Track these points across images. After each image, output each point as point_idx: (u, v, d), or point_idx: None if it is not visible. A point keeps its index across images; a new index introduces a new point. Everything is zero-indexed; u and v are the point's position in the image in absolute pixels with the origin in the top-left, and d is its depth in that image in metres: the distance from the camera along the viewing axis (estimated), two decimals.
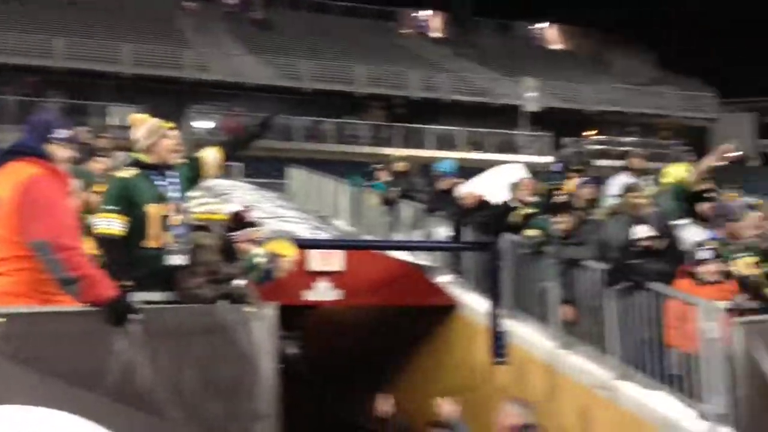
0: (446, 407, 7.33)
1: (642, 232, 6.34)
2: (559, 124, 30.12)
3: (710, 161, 7.21)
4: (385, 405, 8.32)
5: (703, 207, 6.96)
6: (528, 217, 8.01)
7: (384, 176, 11.71)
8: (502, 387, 7.99)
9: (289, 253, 4.69)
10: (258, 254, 4.60)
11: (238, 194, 14.42)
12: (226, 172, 17.57)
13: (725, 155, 7.07)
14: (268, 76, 29.00)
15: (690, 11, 41.13)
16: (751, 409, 4.71)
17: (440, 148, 27.82)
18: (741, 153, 7.43)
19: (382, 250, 9.42)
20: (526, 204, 8.31)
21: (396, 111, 29.77)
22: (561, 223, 7.23)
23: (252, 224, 5.23)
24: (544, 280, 7.43)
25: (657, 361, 5.98)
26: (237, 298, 3.74)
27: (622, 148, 26.20)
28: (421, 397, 9.37)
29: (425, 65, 32.46)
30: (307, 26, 33.82)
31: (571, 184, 8.48)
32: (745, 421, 4.74)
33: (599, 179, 8.64)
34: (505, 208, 8.39)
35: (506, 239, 8.03)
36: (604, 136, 31.05)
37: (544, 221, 7.60)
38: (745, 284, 5.72)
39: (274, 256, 4.61)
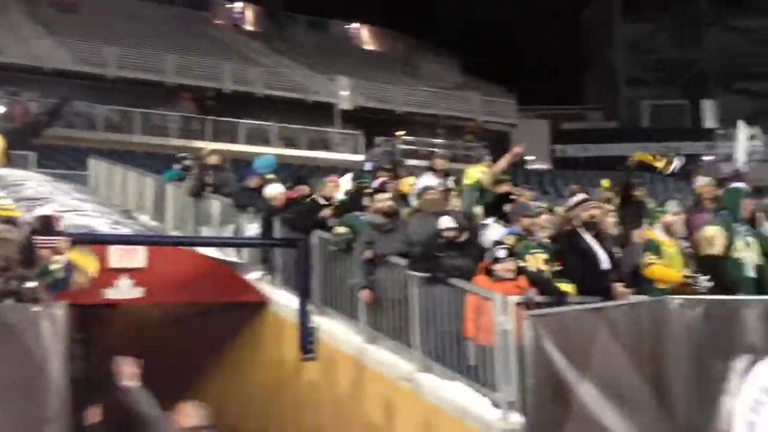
0: (191, 412, 6.09)
1: (445, 223, 6.65)
2: (371, 123, 30.76)
3: (503, 163, 7.64)
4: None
5: (506, 207, 7.38)
6: (338, 214, 8.12)
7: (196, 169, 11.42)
8: (311, 382, 8.05)
9: (89, 266, 4.53)
10: (56, 262, 4.40)
11: (31, 185, 13.50)
12: (17, 162, 16.41)
13: (516, 156, 7.51)
14: (68, 60, 27.33)
15: (494, 22, 43.52)
16: (538, 396, 5.03)
17: (252, 143, 27.54)
18: (519, 150, 7.95)
19: (189, 246, 9.18)
20: (332, 201, 8.43)
21: (207, 103, 29.08)
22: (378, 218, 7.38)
23: (60, 233, 4.98)
24: (353, 276, 7.55)
25: (456, 353, 6.26)
26: (25, 298, 3.51)
27: (430, 149, 27.17)
28: (231, 395, 9.24)
29: (238, 58, 31.95)
30: (113, 10, 32.17)
31: (405, 183, 8.70)
32: (532, 406, 5.06)
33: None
34: (313, 205, 8.45)
35: (316, 236, 8.09)
36: (413, 137, 32.04)
37: (353, 218, 7.74)
38: (535, 279, 6.14)
39: (72, 267, 4.42)
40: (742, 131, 38.30)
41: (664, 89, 45.75)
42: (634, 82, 47.06)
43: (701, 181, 8.01)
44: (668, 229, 6.69)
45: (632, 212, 7.51)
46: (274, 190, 9.06)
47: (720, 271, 6.39)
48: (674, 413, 4.52)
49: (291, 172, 22.39)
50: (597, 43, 49.34)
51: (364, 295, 7.19)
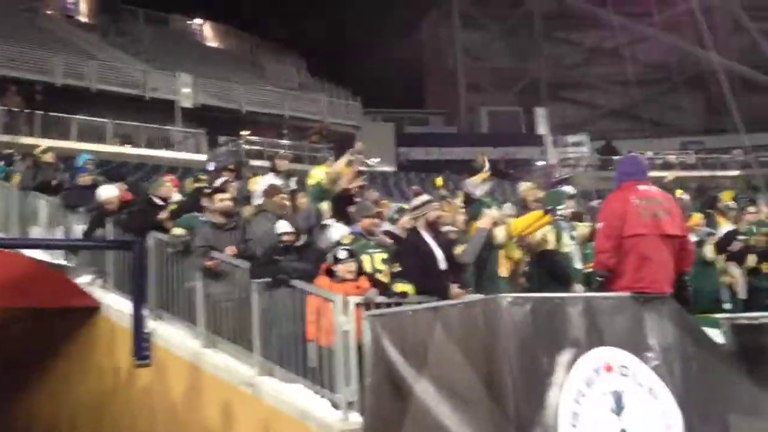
0: None
1: (282, 227, 6.61)
2: (214, 122, 30.11)
3: (342, 163, 7.71)
4: None
5: (350, 208, 7.43)
6: (175, 215, 7.88)
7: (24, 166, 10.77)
8: (145, 389, 7.78)
9: None
10: None
11: None
12: None
13: (357, 156, 7.59)
14: None
15: (339, 25, 43.83)
16: (376, 395, 5.10)
17: (86, 139, 26.22)
18: (360, 146, 8.06)
19: (13, 248, 8.61)
20: (169, 202, 8.18)
21: (36, 97, 27.37)
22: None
23: None
24: (191, 279, 7.36)
25: (298, 355, 6.23)
26: None
27: (275, 149, 26.98)
28: (63, 403, 8.77)
29: (71, 51, 30.30)
30: None
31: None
32: (371, 406, 5.12)
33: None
34: (148, 206, 8.16)
35: (151, 238, 7.81)
36: (258, 137, 31.67)
37: (191, 219, 7.54)
38: (375, 279, 6.22)
39: None
40: (568, 139, 40.72)
41: (500, 96, 47.74)
42: (473, 89, 48.83)
43: (524, 185, 8.47)
44: (498, 223, 7.07)
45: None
46: (109, 193, 8.67)
47: (553, 264, 6.88)
48: (505, 407, 4.68)
49: (128, 171, 21.57)
50: (438, 50, 50.81)
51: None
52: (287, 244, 6.62)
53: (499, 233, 6.93)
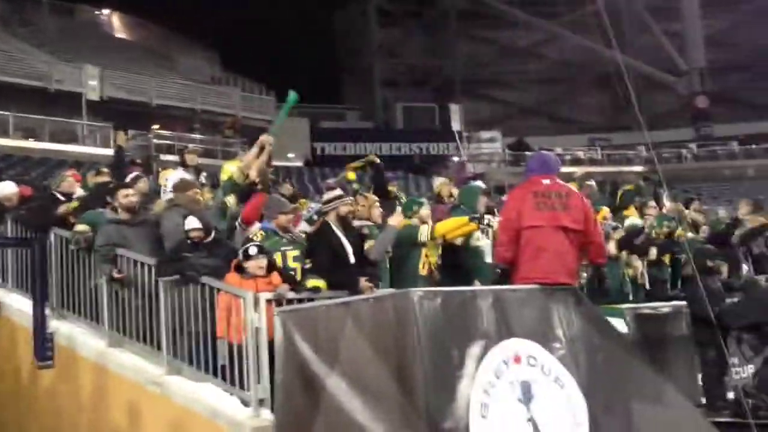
0: None
1: (191, 224, 6.48)
2: (123, 115, 29.30)
3: (251, 154, 7.61)
4: None
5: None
6: (79, 210, 7.62)
7: None
8: (49, 391, 7.51)
9: None
10: None
11: None
12: None
13: (265, 147, 7.50)
14: None
15: (253, 18, 43.28)
16: (287, 392, 5.06)
17: None
18: (265, 139, 7.92)
19: None
20: (71, 197, 7.90)
21: None
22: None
23: None
24: (95, 277, 7.13)
25: (207, 353, 6.12)
26: None
27: (186, 144, 26.46)
28: None
29: None
30: None
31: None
32: (282, 403, 5.07)
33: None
34: (49, 201, 7.86)
35: (53, 234, 7.53)
36: (169, 131, 31.01)
37: (95, 215, 7.30)
38: (287, 275, 6.16)
39: None
40: (481, 135, 41.45)
41: (415, 92, 48.13)
42: (389, 85, 49.07)
43: (438, 180, 8.57)
44: (422, 221, 7.15)
45: (389, 207, 7.82)
46: (7, 189, 8.31)
47: (459, 257, 7.00)
48: (416, 401, 4.70)
49: (31, 165, 20.80)
50: (354, 45, 50.84)
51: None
52: (196, 241, 6.48)
53: (423, 231, 6.97)
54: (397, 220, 6.82)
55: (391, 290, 5.56)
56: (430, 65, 50.50)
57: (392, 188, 9.30)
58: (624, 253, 8.57)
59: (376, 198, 7.83)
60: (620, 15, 47.02)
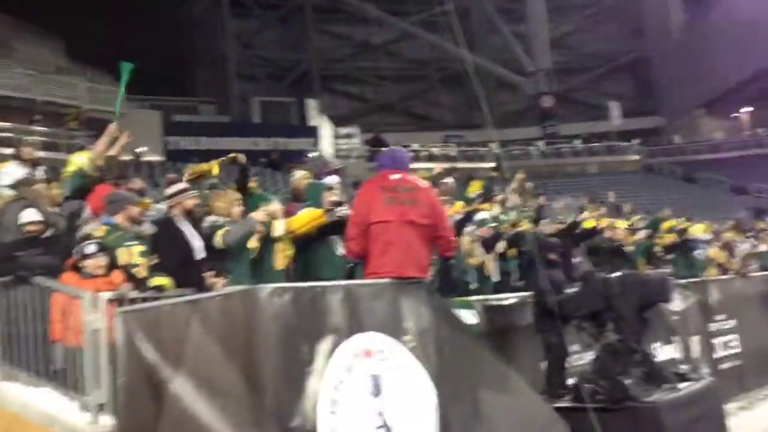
0: None
1: (28, 216, 6.11)
2: None
3: (101, 145, 7.26)
4: None
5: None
6: None
7: None
8: None
9: None
10: None
11: None
12: None
13: (113, 136, 7.18)
14: None
15: (101, 8, 41.43)
16: (129, 395, 4.82)
17: None
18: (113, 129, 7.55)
19: None
20: None
21: None
22: None
23: None
24: None
25: (42, 357, 5.77)
26: None
27: (26, 136, 24.96)
28: None
29: None
30: None
31: None
32: (123, 407, 4.84)
33: None
34: None
35: None
36: (9, 123, 29.15)
37: None
38: (131, 273, 5.91)
39: None
40: (329, 130, 41.58)
41: (272, 86, 47.69)
42: (245, 78, 48.32)
43: (297, 174, 8.48)
44: (272, 217, 7.02)
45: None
46: None
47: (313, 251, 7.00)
48: (264, 399, 4.63)
49: None
50: (208, 37, 49.67)
51: None
52: (33, 235, 6.09)
53: (279, 226, 6.87)
54: (259, 215, 6.71)
55: (240, 287, 5.42)
56: (287, 59, 50.15)
57: (252, 185, 9.12)
58: (465, 243, 8.79)
59: (238, 195, 7.62)
60: (470, 15, 48.61)
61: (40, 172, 7.80)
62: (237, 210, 7.17)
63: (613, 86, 51.51)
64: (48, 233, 6.20)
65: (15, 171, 7.64)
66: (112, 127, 7.29)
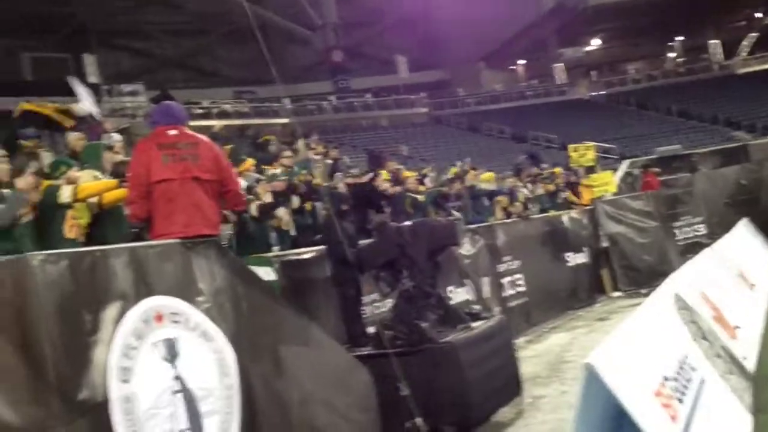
0: None
1: None
2: None
3: None
4: None
5: None
6: None
7: None
8: None
9: None
10: None
11: None
12: None
13: None
14: None
15: None
16: None
17: None
18: None
19: None
20: None
21: None
22: None
23: None
24: None
25: None
26: None
27: None
28: None
29: None
30: None
31: None
32: None
33: None
34: None
35: None
36: None
37: None
38: None
39: None
40: (123, 88, 39.51)
41: (44, 41, 44.20)
42: (11, 33, 44.32)
43: (72, 135, 7.93)
44: (69, 182, 6.62)
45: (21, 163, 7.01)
46: None
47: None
48: (45, 373, 4.28)
49: None
50: None
51: None
52: None
53: (65, 192, 6.37)
54: (24, 182, 6.16)
55: (8, 257, 4.95)
56: (59, 12, 46.52)
57: (28, 143, 8.39)
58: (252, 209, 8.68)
59: (3, 152, 6.97)
60: None
61: None
62: (3, 167, 6.60)
63: (399, 41, 52.78)
64: None
65: None
66: None
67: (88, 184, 6.69)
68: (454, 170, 13.58)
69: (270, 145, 10.99)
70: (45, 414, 4.26)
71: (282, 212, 8.89)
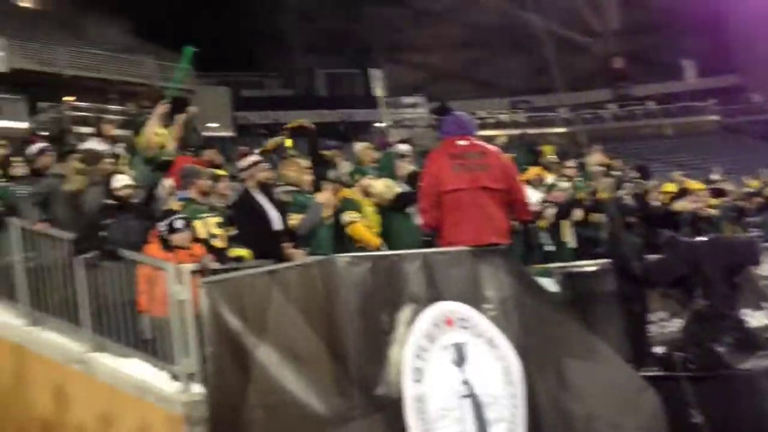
0: None
1: (122, 180, 6.26)
2: (33, 87, 28.08)
3: (152, 124, 7.37)
4: None
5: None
6: None
7: None
8: None
9: None
10: None
11: None
12: None
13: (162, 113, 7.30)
14: None
15: None
16: (217, 364, 4.91)
17: None
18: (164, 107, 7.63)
19: None
20: None
21: None
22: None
23: None
24: (7, 253, 6.79)
25: (130, 328, 5.91)
26: None
27: (102, 115, 25.56)
28: None
29: None
30: None
31: None
32: (212, 376, 4.93)
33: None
34: None
35: None
36: (84, 103, 29.90)
37: (4, 190, 6.96)
38: (210, 245, 5.98)
39: None
40: (404, 100, 41.17)
41: (336, 58, 47.61)
42: (308, 50, 48.33)
43: (360, 146, 8.49)
44: (366, 191, 7.09)
45: (321, 172, 7.69)
46: None
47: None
48: (348, 368, 4.65)
49: None
50: (270, 10, 49.76)
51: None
52: (123, 200, 6.25)
53: (347, 217, 6.78)
54: (324, 197, 6.69)
55: (318, 257, 5.43)
56: (348, 30, 49.89)
57: (328, 153, 9.16)
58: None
59: (308, 164, 7.64)
60: None
61: (119, 149, 7.95)
62: (307, 178, 7.17)
63: (687, 44, 49.67)
64: (138, 198, 6.34)
65: (95, 146, 7.79)
66: (161, 107, 7.40)
67: (360, 229, 6.85)
68: (754, 183, 12.51)
69: (548, 155, 10.91)
70: (347, 405, 4.64)
71: (562, 223, 8.80)
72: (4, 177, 7.38)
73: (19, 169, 7.38)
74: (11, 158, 7.60)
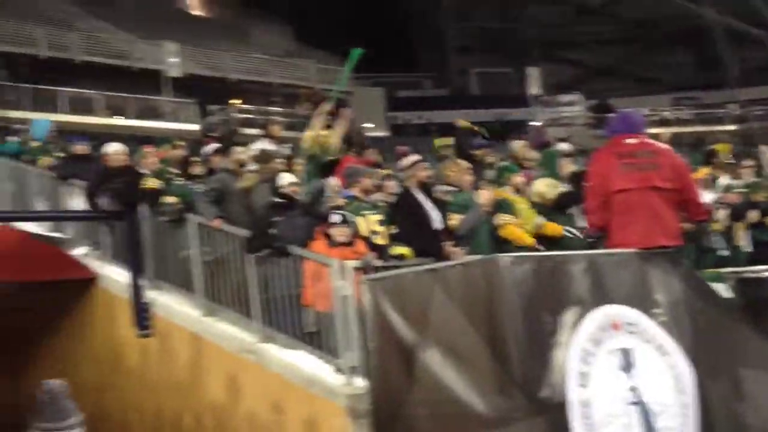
0: None
1: (288, 178, 6.53)
2: (203, 91, 29.76)
3: (316, 126, 7.58)
4: None
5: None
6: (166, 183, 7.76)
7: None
8: (148, 361, 7.72)
9: None
10: None
11: None
12: None
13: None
14: None
15: None
16: (380, 360, 5.01)
17: (75, 111, 25.92)
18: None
19: (5, 221, 8.49)
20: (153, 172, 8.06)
21: (20, 70, 26.95)
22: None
23: None
24: (186, 247, 7.25)
25: (295, 321, 6.14)
26: None
27: (266, 117, 26.70)
28: (64, 375, 8.69)
29: (52, 22, 29.73)
30: None
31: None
32: (375, 370, 5.03)
33: None
34: (136, 176, 7.98)
35: (144, 207, 7.68)
36: (249, 105, 31.37)
37: (181, 188, 7.41)
38: (372, 242, 6.12)
39: None
40: (560, 98, 40.28)
41: (490, 57, 47.30)
42: (462, 51, 48.32)
43: (516, 144, 8.35)
44: (518, 189, 7.01)
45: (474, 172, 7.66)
46: (117, 147, 8.46)
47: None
48: (510, 368, 4.61)
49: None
50: (426, 12, 50.13)
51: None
52: (290, 198, 6.51)
53: (499, 219, 6.67)
54: (485, 197, 6.66)
55: (480, 256, 5.42)
56: (503, 29, 49.41)
57: (478, 153, 9.11)
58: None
59: (468, 164, 7.64)
60: None
61: (286, 150, 8.28)
62: (467, 178, 7.16)
63: None
64: (303, 196, 6.60)
65: (261, 148, 8.15)
66: (323, 107, 7.62)
67: (513, 230, 6.69)
68: None
69: (722, 154, 10.34)
70: (509, 406, 4.60)
71: (736, 225, 8.33)
72: (183, 176, 7.86)
73: (197, 168, 7.83)
74: (191, 158, 8.08)
